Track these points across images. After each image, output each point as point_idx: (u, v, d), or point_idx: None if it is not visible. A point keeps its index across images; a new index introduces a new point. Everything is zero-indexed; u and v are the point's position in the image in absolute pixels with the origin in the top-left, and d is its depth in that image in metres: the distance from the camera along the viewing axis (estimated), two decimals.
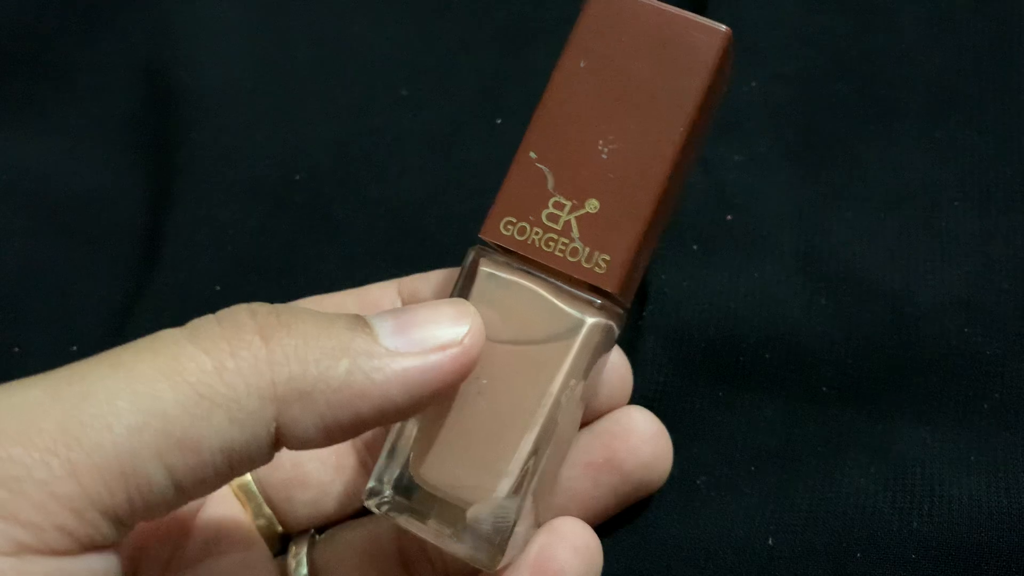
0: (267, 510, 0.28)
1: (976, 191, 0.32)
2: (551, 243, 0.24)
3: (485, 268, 0.25)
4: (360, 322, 0.22)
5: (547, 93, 0.25)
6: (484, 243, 0.25)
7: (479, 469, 0.24)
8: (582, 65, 0.24)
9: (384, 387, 0.22)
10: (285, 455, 0.23)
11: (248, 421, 0.21)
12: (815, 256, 0.32)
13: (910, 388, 0.30)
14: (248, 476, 0.28)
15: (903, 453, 0.29)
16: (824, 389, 0.31)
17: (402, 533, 0.28)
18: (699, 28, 0.24)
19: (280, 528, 0.28)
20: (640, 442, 0.27)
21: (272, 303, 0.22)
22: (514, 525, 0.24)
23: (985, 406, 0.29)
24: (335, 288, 0.31)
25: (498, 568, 0.24)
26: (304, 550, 0.28)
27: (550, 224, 0.24)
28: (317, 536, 0.29)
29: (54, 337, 0.34)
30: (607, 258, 0.24)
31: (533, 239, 0.24)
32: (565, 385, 0.24)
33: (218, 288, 0.34)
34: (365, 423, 0.22)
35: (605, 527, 0.29)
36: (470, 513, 0.24)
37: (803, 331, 0.31)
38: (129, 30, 0.39)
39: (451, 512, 0.24)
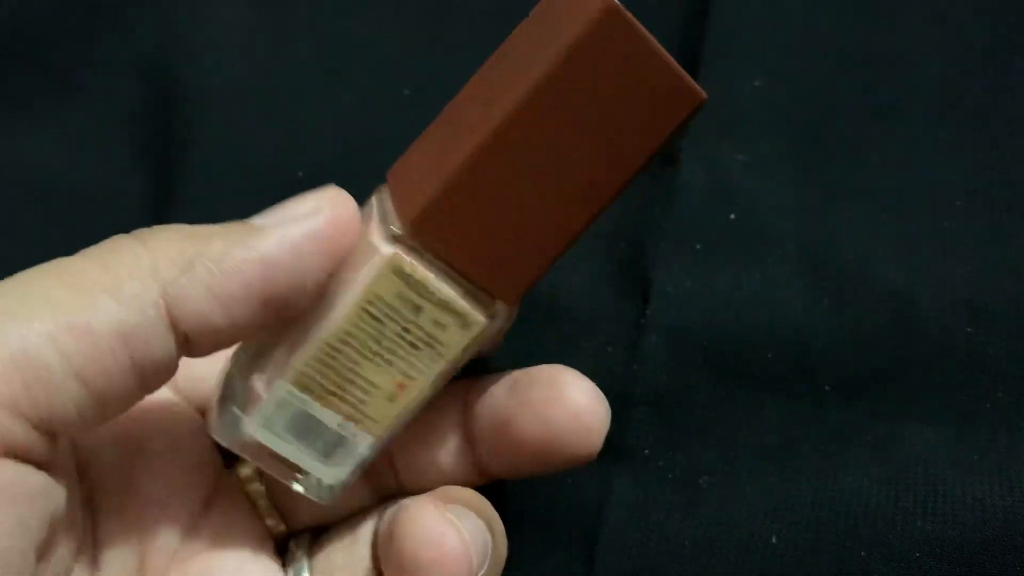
0: (273, 511, 0.28)
1: (979, 191, 0.32)
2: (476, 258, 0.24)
3: (406, 258, 0.24)
4: (232, 222, 0.23)
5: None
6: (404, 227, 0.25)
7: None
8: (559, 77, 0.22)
9: (265, 249, 0.22)
10: None
11: (134, 302, 0.21)
12: (818, 256, 0.32)
13: (913, 388, 0.30)
14: (256, 481, 0.28)
15: (906, 452, 0.29)
16: (827, 388, 0.31)
17: None
18: (680, 86, 0.23)
19: (283, 527, 0.28)
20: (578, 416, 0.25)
21: None
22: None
23: (988, 406, 0.29)
24: None
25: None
26: (304, 549, 0.28)
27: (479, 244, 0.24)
28: (317, 535, 0.29)
29: None
30: (520, 278, 0.24)
31: (459, 247, 0.24)
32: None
33: None
34: (260, 293, 0.22)
35: (607, 526, 0.29)
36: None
37: (806, 331, 0.31)
38: (131, 28, 0.39)
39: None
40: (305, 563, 0.27)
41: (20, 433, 0.20)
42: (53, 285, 0.21)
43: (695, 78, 0.34)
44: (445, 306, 0.24)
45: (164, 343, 0.22)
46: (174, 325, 0.22)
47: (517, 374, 0.26)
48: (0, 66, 0.38)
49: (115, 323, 0.21)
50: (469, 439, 0.27)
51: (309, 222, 0.23)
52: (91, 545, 0.25)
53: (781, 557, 0.28)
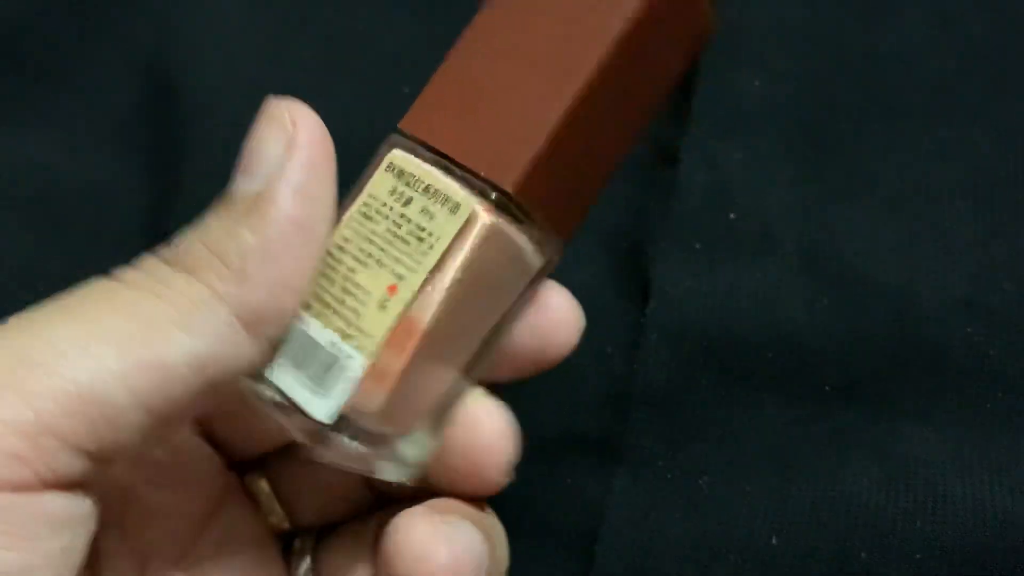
0: (278, 508, 0.28)
1: (979, 190, 0.32)
2: (461, 139, 0.24)
3: (398, 153, 0.24)
4: (220, 202, 0.23)
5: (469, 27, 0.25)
6: (402, 135, 0.25)
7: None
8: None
9: (285, 213, 0.22)
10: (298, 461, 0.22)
11: (205, 328, 0.21)
12: (818, 255, 0.32)
13: (913, 388, 0.30)
14: (261, 479, 0.28)
15: (906, 453, 0.29)
16: (827, 388, 0.31)
17: None
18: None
19: (287, 525, 0.28)
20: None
21: None
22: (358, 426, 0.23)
23: (988, 406, 0.29)
24: None
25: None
26: (309, 548, 0.28)
27: (464, 125, 0.24)
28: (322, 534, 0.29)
29: None
30: (508, 155, 0.23)
31: (445, 134, 0.24)
32: (443, 288, 0.23)
33: None
34: (302, 252, 0.22)
35: (607, 526, 0.29)
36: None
37: (806, 330, 0.31)
38: (130, 27, 0.39)
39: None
40: (310, 562, 0.27)
41: (78, 466, 0.20)
42: (120, 319, 0.20)
43: (695, 78, 0.34)
44: (432, 192, 0.23)
45: (244, 351, 0.21)
46: (250, 329, 0.21)
47: None
48: (0, 67, 0.38)
49: (190, 354, 0.20)
50: None
51: (295, 160, 0.22)
52: (95, 558, 0.25)
53: (781, 557, 0.28)
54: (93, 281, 0.22)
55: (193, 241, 0.22)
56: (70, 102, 0.38)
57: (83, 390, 0.19)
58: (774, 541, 0.29)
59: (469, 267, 0.23)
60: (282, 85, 0.37)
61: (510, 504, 0.30)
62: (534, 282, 0.25)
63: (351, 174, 0.36)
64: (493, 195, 0.23)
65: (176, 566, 0.26)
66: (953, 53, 0.34)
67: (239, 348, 0.21)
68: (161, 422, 0.21)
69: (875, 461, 0.29)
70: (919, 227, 0.32)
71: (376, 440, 0.23)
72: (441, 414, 0.25)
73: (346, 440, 0.23)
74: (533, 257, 0.24)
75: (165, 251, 0.22)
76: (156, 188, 0.36)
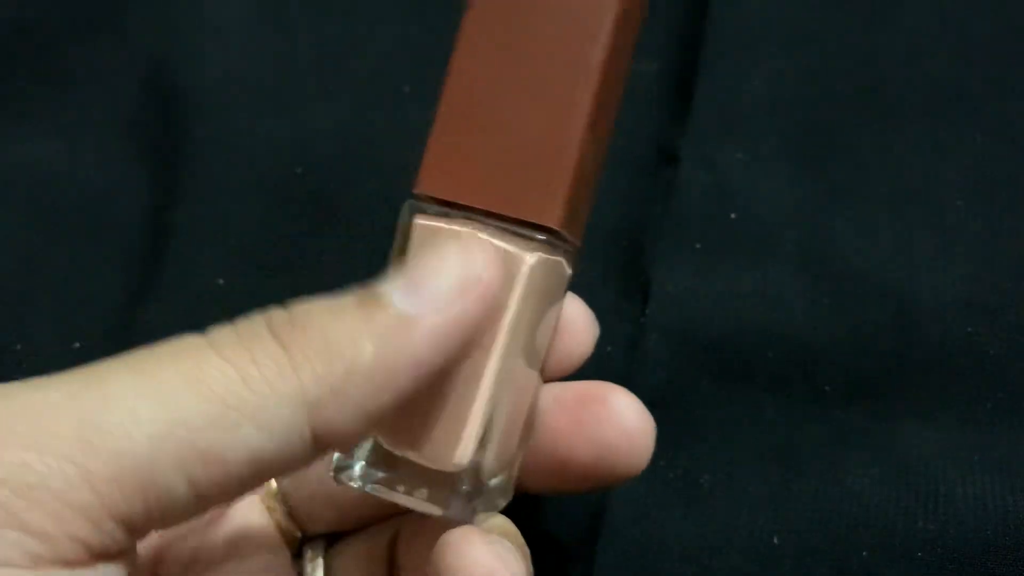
0: (290, 515, 0.28)
1: (979, 190, 0.32)
2: (486, 187, 0.23)
3: (420, 221, 0.23)
4: (369, 296, 0.21)
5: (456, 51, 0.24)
6: (417, 198, 0.24)
7: (440, 433, 0.23)
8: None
9: (416, 355, 0.20)
10: (311, 470, 0.22)
11: (279, 429, 0.20)
12: (818, 255, 0.32)
13: (913, 387, 0.30)
14: (273, 483, 0.28)
15: (907, 452, 0.29)
16: (827, 388, 0.31)
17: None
18: None
19: (299, 533, 0.28)
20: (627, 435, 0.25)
21: (280, 300, 0.22)
22: (486, 483, 0.23)
23: (989, 405, 0.30)
24: (335, 284, 0.30)
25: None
26: (320, 555, 0.27)
27: (484, 171, 0.23)
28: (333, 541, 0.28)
29: (56, 334, 0.34)
30: (542, 192, 0.23)
31: (467, 186, 0.23)
32: (514, 330, 0.23)
33: (221, 282, 0.34)
34: (407, 393, 0.21)
35: (608, 526, 0.29)
36: (441, 479, 0.23)
37: (806, 330, 0.31)
38: (130, 25, 0.39)
39: (425, 477, 0.23)
40: (321, 570, 0.27)
41: (124, 542, 0.19)
42: (197, 399, 0.19)
43: (695, 78, 0.34)
44: None
45: (301, 460, 0.21)
46: (316, 443, 0.20)
47: (556, 389, 0.25)
48: (1, 66, 0.38)
49: (254, 453, 0.20)
50: None
51: (458, 310, 0.21)
52: None
53: (782, 557, 0.28)
54: (185, 337, 0.20)
55: (315, 321, 0.21)
56: (70, 102, 0.38)
57: (143, 474, 0.19)
58: (775, 541, 0.29)
59: (525, 303, 0.23)
60: (281, 84, 0.38)
61: (510, 504, 0.29)
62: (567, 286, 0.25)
63: (351, 171, 0.36)
64: (540, 236, 0.23)
65: (187, 570, 0.26)
66: (953, 53, 0.34)
67: (303, 458, 0.20)
68: (207, 507, 0.20)
69: (876, 460, 0.29)
70: (919, 226, 0.32)
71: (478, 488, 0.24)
72: (527, 436, 0.25)
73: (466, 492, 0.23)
74: (568, 267, 0.24)
75: (278, 315, 0.21)
76: (156, 188, 0.36)
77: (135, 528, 0.19)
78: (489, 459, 0.23)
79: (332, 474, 0.24)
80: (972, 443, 0.29)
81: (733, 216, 0.33)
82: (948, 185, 0.32)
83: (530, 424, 0.25)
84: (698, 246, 0.32)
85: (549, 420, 0.25)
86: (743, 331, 0.31)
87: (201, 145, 0.36)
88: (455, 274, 0.21)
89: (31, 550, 0.18)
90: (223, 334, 0.20)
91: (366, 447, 0.24)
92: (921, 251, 0.32)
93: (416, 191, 0.23)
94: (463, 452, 0.23)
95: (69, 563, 0.19)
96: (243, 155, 0.36)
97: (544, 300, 0.24)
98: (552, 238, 0.23)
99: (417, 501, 0.23)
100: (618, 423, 0.25)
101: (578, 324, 0.25)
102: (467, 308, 0.21)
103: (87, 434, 0.19)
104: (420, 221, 0.23)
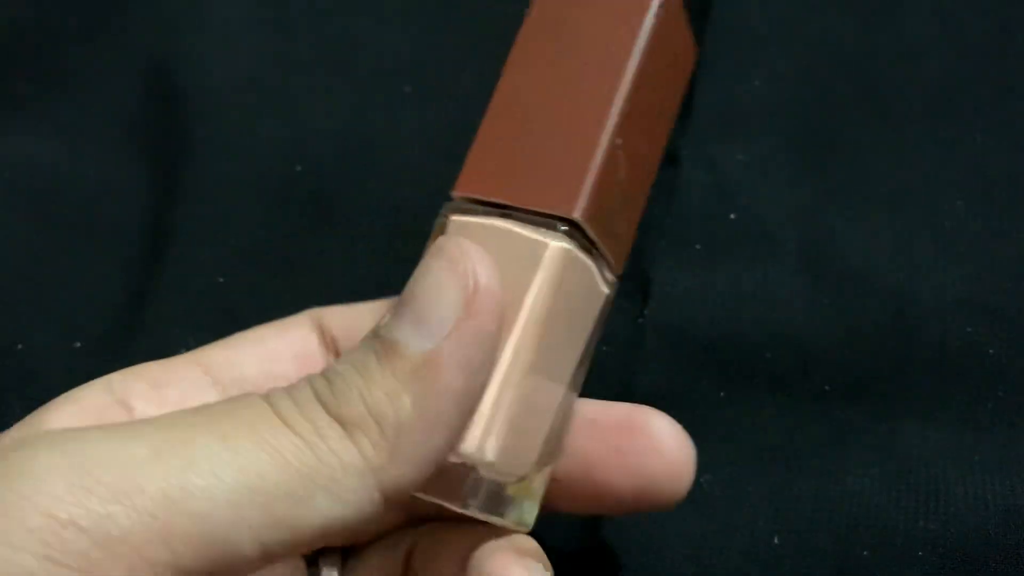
0: None
1: (979, 190, 0.32)
2: (517, 186, 0.24)
3: (457, 218, 0.24)
4: (384, 348, 0.21)
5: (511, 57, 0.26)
6: (452, 199, 0.25)
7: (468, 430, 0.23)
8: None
9: (451, 386, 0.21)
10: None
11: (352, 498, 0.20)
12: (818, 255, 0.32)
13: (913, 387, 0.30)
14: None
15: (907, 452, 0.29)
16: (827, 388, 0.31)
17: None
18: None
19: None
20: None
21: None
22: (497, 480, 0.23)
23: (989, 405, 0.30)
24: (335, 283, 0.31)
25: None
26: (335, 568, 0.27)
27: (517, 172, 0.24)
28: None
29: (57, 334, 0.34)
30: (565, 186, 0.24)
31: (501, 185, 0.24)
32: (533, 320, 0.23)
33: (221, 280, 0.34)
34: (458, 424, 0.21)
35: (608, 526, 0.29)
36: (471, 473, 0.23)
37: (806, 330, 0.31)
38: (130, 25, 0.39)
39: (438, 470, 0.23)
40: None
41: None
42: (275, 469, 0.20)
43: (696, 78, 0.34)
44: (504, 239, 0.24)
45: (372, 520, 0.21)
46: (386, 502, 0.21)
47: (593, 412, 0.25)
48: (1, 66, 0.38)
49: (327, 520, 0.20)
50: None
51: (470, 327, 0.21)
52: None
53: (783, 557, 0.28)
54: (251, 399, 0.21)
55: (353, 390, 0.21)
56: (71, 102, 0.38)
57: (219, 536, 0.19)
58: (776, 541, 0.29)
59: (546, 294, 0.23)
60: (282, 83, 0.38)
61: None
62: (604, 314, 0.25)
63: (352, 170, 0.36)
64: (562, 227, 0.23)
65: None
66: (953, 53, 0.34)
67: (374, 518, 0.21)
68: (269, 563, 0.21)
69: (876, 460, 0.29)
70: (919, 227, 0.32)
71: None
72: (552, 449, 0.25)
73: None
74: (603, 284, 0.25)
75: (322, 386, 0.21)
76: (157, 188, 0.36)
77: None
78: (497, 449, 0.23)
79: None
80: (972, 443, 0.29)
81: (733, 216, 0.33)
82: (948, 185, 0.32)
83: (556, 438, 0.24)
84: (698, 246, 0.32)
85: (585, 443, 0.25)
86: (743, 331, 0.31)
87: (201, 145, 0.36)
88: (453, 295, 0.21)
89: None
90: (283, 401, 0.21)
91: None
92: (921, 251, 0.32)
93: (453, 193, 0.24)
94: (470, 438, 0.22)
95: None
96: (243, 155, 0.36)
97: (569, 302, 0.24)
98: (575, 231, 0.24)
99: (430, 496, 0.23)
100: (660, 454, 0.24)
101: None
102: (478, 321, 0.21)
103: (171, 493, 0.19)
104: (455, 218, 0.24)
